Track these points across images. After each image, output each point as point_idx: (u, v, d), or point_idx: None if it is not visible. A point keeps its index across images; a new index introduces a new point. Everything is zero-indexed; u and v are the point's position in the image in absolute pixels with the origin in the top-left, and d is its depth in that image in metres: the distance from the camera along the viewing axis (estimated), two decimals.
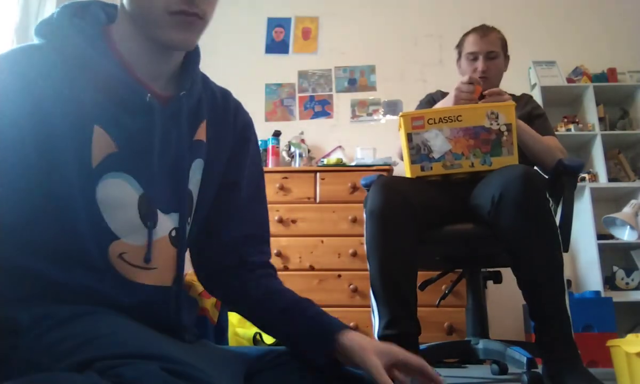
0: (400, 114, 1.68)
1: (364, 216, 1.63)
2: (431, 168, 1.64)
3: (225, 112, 0.86)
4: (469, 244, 1.74)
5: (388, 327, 1.49)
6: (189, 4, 0.69)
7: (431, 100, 1.99)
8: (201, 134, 0.81)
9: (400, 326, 1.48)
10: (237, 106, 0.89)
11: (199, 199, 0.83)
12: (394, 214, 1.52)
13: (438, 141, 1.63)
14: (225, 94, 0.88)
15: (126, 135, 0.72)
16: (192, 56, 0.80)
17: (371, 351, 0.73)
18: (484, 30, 1.93)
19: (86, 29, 0.73)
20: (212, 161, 0.83)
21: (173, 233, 0.78)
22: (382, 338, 1.50)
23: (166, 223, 0.77)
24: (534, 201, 1.45)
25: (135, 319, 0.69)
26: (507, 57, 1.97)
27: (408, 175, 1.68)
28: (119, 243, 0.72)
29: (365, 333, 0.78)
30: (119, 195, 0.71)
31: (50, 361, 0.58)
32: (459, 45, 2.00)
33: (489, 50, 1.89)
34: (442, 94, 1.98)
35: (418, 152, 1.64)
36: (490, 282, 1.99)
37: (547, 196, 1.49)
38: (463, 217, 1.66)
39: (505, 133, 1.61)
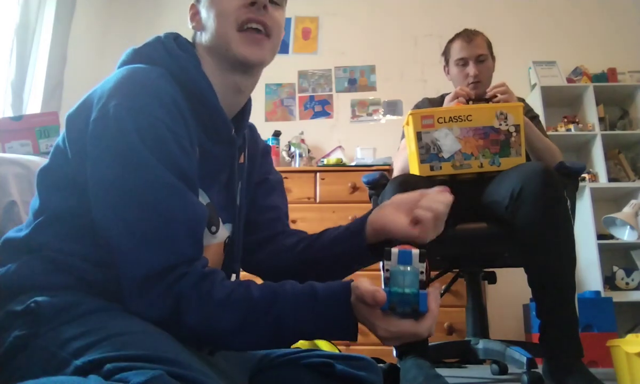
0: (409, 112, 1.65)
1: None
2: (440, 168, 1.63)
3: (254, 140, 1.02)
4: (480, 244, 1.72)
5: None
6: (254, 12, 0.80)
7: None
8: (242, 158, 0.96)
9: None
10: (258, 134, 1.06)
11: (243, 207, 0.95)
12: None
13: (448, 141, 1.61)
14: (251, 127, 1.03)
15: (206, 156, 0.81)
16: (248, 104, 0.93)
17: (390, 216, 0.83)
18: (469, 35, 1.92)
19: (191, 59, 0.81)
20: (249, 177, 0.97)
21: (227, 241, 0.88)
22: None
23: (224, 232, 0.87)
24: (554, 196, 1.45)
25: None
26: (493, 58, 1.97)
27: (416, 174, 1.66)
28: None
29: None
30: None
31: (66, 355, 0.60)
32: (445, 53, 2.00)
33: (478, 54, 1.89)
34: (430, 101, 1.97)
35: (427, 152, 1.62)
36: (490, 283, 1.98)
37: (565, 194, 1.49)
38: (471, 217, 1.66)
39: (514, 134, 1.61)
